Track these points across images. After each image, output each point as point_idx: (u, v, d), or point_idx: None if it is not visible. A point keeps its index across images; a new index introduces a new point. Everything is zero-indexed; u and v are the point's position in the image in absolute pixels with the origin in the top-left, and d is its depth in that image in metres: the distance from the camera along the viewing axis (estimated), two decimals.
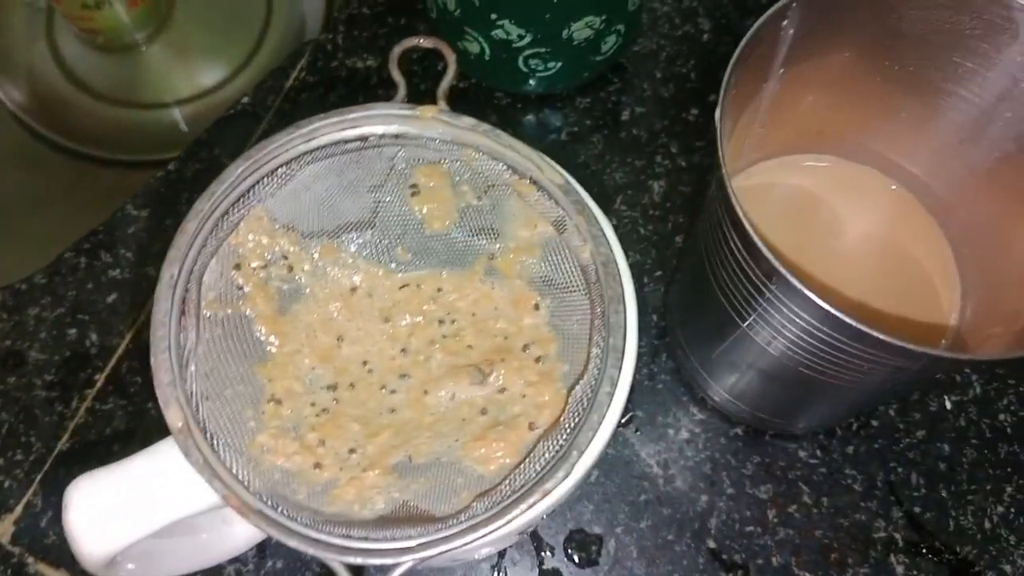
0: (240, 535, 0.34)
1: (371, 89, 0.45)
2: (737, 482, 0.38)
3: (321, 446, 0.26)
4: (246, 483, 0.24)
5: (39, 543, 0.38)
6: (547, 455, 0.24)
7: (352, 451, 0.26)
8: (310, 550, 0.22)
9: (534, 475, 0.24)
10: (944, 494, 0.38)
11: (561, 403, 0.26)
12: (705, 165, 0.44)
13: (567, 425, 0.25)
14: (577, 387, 0.25)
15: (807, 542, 0.37)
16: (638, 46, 0.46)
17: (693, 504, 0.38)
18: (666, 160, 0.44)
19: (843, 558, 0.37)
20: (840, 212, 0.36)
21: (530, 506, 0.23)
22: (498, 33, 0.40)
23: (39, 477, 0.39)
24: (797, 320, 0.27)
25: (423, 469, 0.26)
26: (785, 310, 0.27)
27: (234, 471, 0.24)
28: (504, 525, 0.23)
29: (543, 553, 0.37)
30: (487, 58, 0.42)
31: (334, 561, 0.22)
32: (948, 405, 0.40)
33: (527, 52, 0.41)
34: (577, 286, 0.27)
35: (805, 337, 0.28)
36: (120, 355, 0.40)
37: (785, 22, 0.29)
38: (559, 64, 0.42)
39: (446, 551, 0.22)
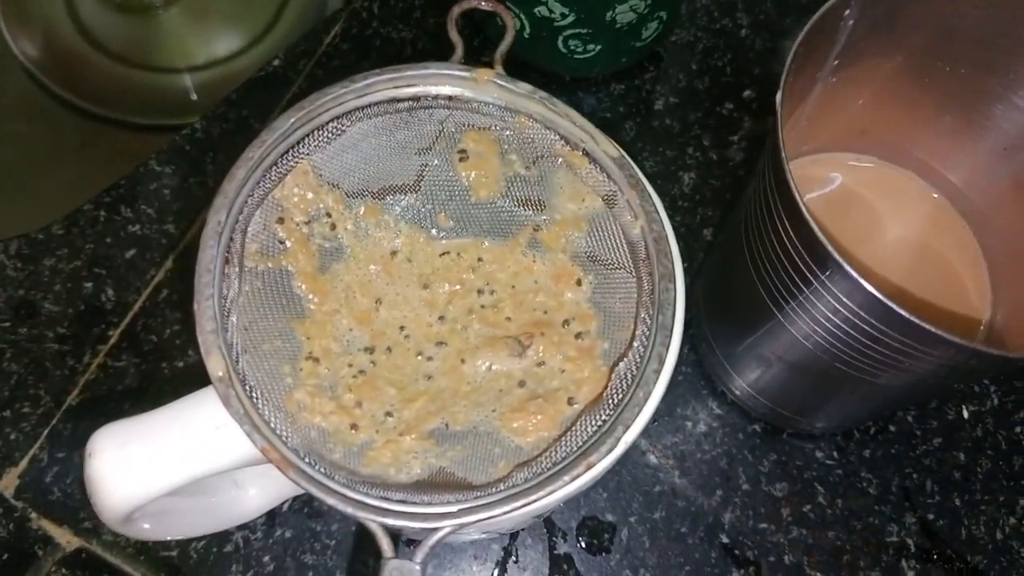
0: (251, 501, 0.34)
1: (405, 60, 0.45)
2: (753, 479, 0.38)
3: (358, 407, 0.25)
4: (284, 438, 0.23)
5: (43, 498, 0.37)
6: (589, 429, 0.24)
7: (388, 414, 0.25)
8: (348, 509, 0.22)
9: (575, 448, 0.23)
10: (958, 502, 0.38)
11: (601, 380, 0.26)
12: (737, 160, 0.43)
13: (611, 401, 0.24)
14: (621, 364, 0.25)
15: (820, 542, 0.37)
16: (675, 36, 0.46)
17: (708, 498, 0.38)
18: (698, 152, 0.43)
19: (855, 560, 0.37)
20: (878, 213, 0.36)
21: (573, 478, 0.22)
22: (541, 10, 0.39)
23: (46, 431, 0.38)
24: (841, 310, 0.27)
25: (460, 437, 0.25)
26: (830, 299, 0.27)
27: (272, 425, 0.23)
28: (547, 495, 0.22)
29: (555, 538, 0.37)
30: (527, 36, 0.41)
31: (372, 522, 0.22)
32: (966, 414, 0.40)
33: (568, 32, 0.40)
34: (623, 263, 0.27)
35: (845, 328, 0.27)
36: (136, 312, 0.40)
37: (847, 12, 0.29)
38: (599, 47, 0.42)
39: (487, 518, 0.22)
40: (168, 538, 0.35)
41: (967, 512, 0.38)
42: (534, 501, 0.22)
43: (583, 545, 0.37)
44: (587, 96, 0.45)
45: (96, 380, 0.39)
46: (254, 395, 0.23)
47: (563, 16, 0.39)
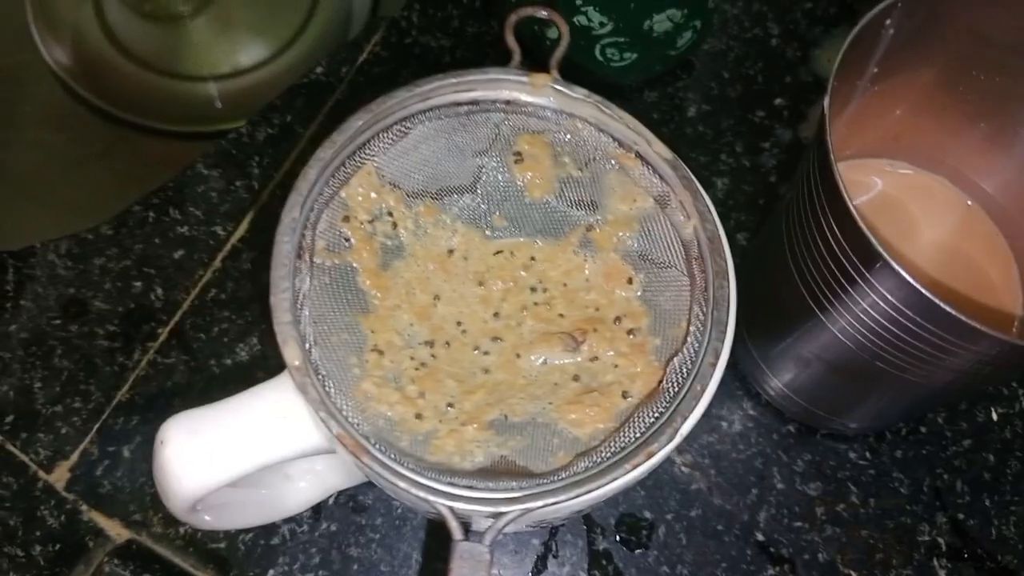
0: (300, 494, 0.35)
1: (443, 68, 0.46)
2: (787, 478, 0.39)
3: (421, 398, 0.26)
4: (356, 426, 0.24)
5: (94, 492, 0.38)
6: (647, 420, 0.25)
7: (450, 405, 0.26)
8: (420, 493, 0.23)
9: (635, 438, 0.24)
10: (988, 503, 0.39)
11: (654, 374, 0.27)
12: (770, 166, 0.44)
13: (667, 393, 0.25)
14: (676, 358, 0.26)
15: (853, 541, 0.38)
16: (707, 45, 0.47)
17: (743, 497, 0.38)
18: (730, 158, 0.44)
19: (888, 559, 0.38)
20: (911, 218, 0.37)
21: (635, 466, 0.23)
22: (580, 19, 0.40)
23: (97, 426, 0.39)
24: (884, 307, 0.28)
25: (520, 427, 0.26)
26: (874, 296, 0.28)
27: (344, 413, 0.24)
28: (610, 483, 0.23)
29: (594, 534, 0.38)
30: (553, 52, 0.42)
31: (442, 506, 0.23)
32: (995, 417, 0.40)
33: (605, 41, 0.42)
34: (674, 262, 0.28)
35: (888, 325, 0.28)
36: (185, 310, 0.41)
37: (888, 21, 0.30)
38: (635, 55, 0.43)
39: (553, 503, 0.23)
40: (227, 528, 0.36)
41: (997, 512, 0.38)
42: (598, 488, 0.23)
43: (621, 541, 0.37)
44: (621, 103, 0.45)
45: (146, 377, 0.40)
46: (327, 384, 0.24)
47: (601, 25, 0.41)
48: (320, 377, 0.24)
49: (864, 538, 0.38)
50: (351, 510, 0.37)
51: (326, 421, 0.23)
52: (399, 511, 0.37)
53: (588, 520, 0.38)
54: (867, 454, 0.39)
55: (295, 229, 0.25)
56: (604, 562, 0.37)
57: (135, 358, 0.40)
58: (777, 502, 0.38)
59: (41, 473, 0.38)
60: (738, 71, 0.47)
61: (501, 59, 0.40)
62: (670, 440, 0.24)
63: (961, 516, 0.38)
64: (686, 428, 0.24)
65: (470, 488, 0.23)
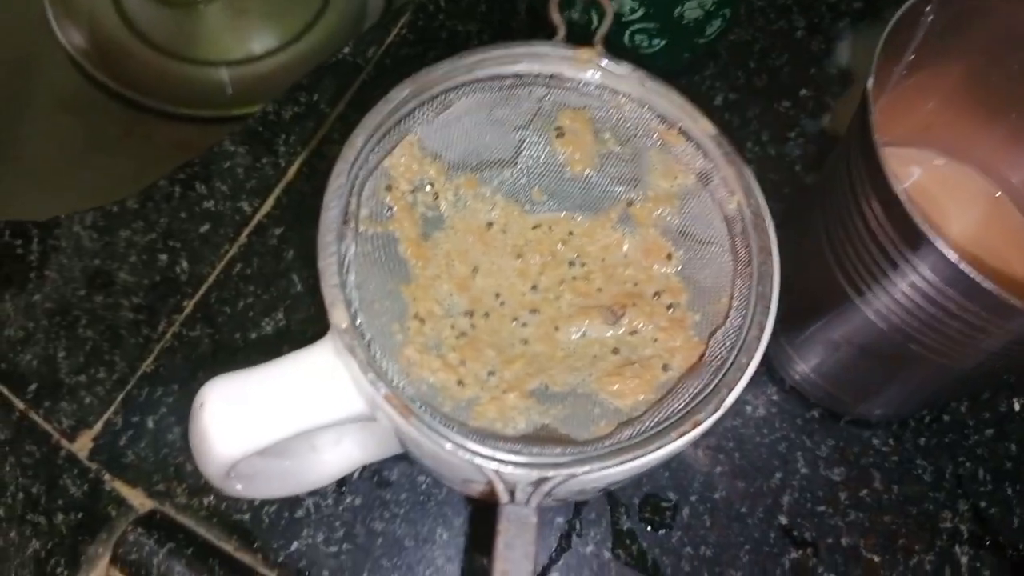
0: (326, 467, 0.35)
1: None
2: (811, 463, 0.39)
3: (462, 365, 0.26)
4: (401, 389, 0.24)
5: (117, 461, 0.38)
6: (691, 391, 0.25)
7: (491, 374, 0.26)
8: (467, 456, 0.23)
9: (678, 409, 0.24)
10: (1010, 492, 0.39)
11: (693, 349, 0.27)
12: (795, 155, 0.44)
13: (712, 366, 0.25)
14: (719, 332, 0.26)
15: (876, 526, 0.38)
16: (734, 36, 0.47)
17: (767, 480, 0.38)
18: (756, 147, 0.45)
19: (910, 544, 0.38)
20: (939, 207, 0.37)
21: (681, 435, 0.23)
22: (612, 5, 0.40)
23: (121, 397, 0.39)
24: (925, 288, 0.28)
25: (560, 397, 0.26)
26: (914, 278, 0.28)
27: (389, 376, 0.24)
28: (655, 450, 0.23)
29: (618, 514, 0.38)
30: (593, 29, 0.42)
31: (490, 469, 0.23)
32: (1016, 407, 0.41)
33: (635, 27, 0.42)
34: (716, 239, 0.28)
35: (926, 306, 0.28)
36: (211, 284, 0.41)
37: (928, 7, 0.30)
38: (663, 42, 0.43)
39: (599, 469, 0.23)
40: (254, 498, 0.36)
41: (1019, 501, 0.39)
42: (644, 455, 0.23)
43: (645, 521, 0.38)
44: None
45: (171, 349, 0.40)
46: (372, 347, 0.24)
47: (632, 11, 0.41)
48: (366, 340, 0.24)
49: (887, 523, 0.38)
50: (376, 485, 0.37)
51: (374, 383, 0.23)
52: (423, 487, 0.37)
53: (612, 499, 0.38)
54: (890, 441, 0.39)
55: (342, 195, 0.25)
56: (628, 541, 0.37)
57: (160, 330, 0.40)
58: (800, 486, 0.38)
59: (64, 442, 0.38)
60: (764, 62, 0.47)
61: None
62: (716, 410, 0.24)
63: (983, 504, 0.39)
64: (731, 398, 0.24)
65: (515, 453, 0.23)
